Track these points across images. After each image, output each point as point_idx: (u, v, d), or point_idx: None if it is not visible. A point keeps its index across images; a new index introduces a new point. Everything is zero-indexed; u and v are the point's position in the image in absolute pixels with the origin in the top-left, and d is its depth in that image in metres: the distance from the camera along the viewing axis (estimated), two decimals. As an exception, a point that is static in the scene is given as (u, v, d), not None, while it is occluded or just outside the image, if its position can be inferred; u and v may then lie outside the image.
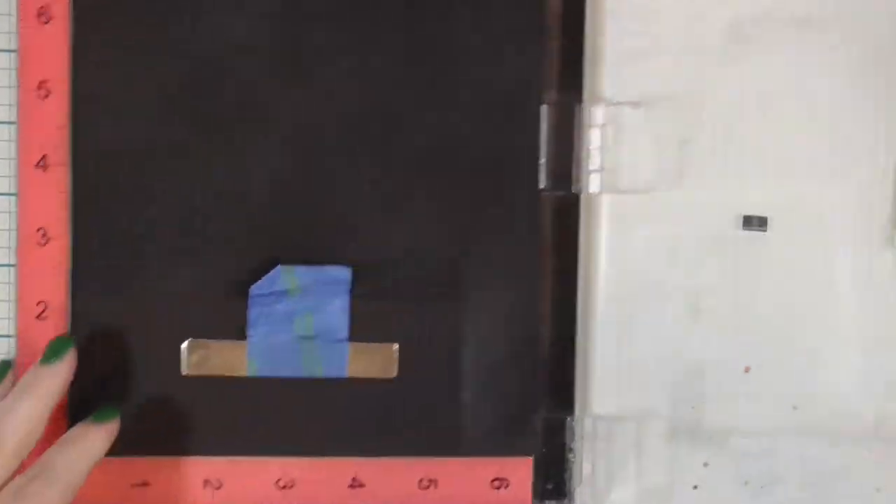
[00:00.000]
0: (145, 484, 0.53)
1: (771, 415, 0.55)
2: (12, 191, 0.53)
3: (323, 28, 0.53)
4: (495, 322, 0.54)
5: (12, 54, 0.53)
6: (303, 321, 0.53)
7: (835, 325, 0.55)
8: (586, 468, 0.55)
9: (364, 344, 0.53)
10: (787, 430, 0.55)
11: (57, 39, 0.52)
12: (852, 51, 0.55)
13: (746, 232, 0.55)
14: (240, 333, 0.53)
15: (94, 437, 0.50)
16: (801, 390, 0.55)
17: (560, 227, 0.54)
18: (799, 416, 0.55)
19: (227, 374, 0.53)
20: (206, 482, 0.54)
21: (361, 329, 0.53)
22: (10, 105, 0.53)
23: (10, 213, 0.53)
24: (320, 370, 0.53)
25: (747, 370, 0.55)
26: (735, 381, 0.55)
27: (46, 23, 0.52)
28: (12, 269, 0.53)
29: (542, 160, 0.54)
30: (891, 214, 0.55)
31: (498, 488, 0.55)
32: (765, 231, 0.55)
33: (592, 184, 0.54)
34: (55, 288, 0.53)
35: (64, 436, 0.50)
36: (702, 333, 0.55)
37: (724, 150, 0.55)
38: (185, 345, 0.53)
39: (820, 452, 0.55)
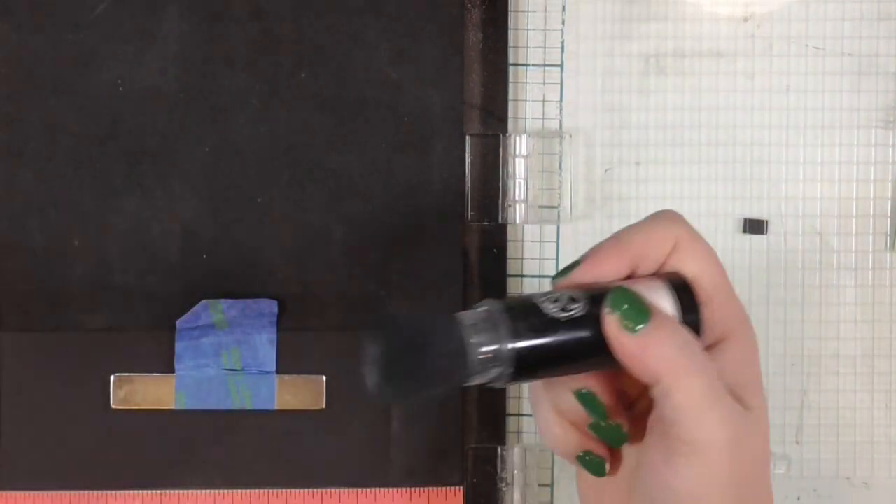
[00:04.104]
0: (74, 519, 0.54)
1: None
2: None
3: (235, 68, 0.54)
4: (422, 352, 0.54)
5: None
6: (230, 354, 0.53)
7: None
8: (517, 497, 0.55)
9: (292, 376, 0.54)
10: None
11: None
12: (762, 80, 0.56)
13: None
14: (167, 367, 0.53)
15: None
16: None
17: (486, 257, 0.55)
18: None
19: (156, 407, 0.53)
20: (135, 516, 0.54)
21: (289, 361, 0.54)
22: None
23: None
24: (249, 402, 0.53)
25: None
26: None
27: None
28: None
29: (467, 191, 0.54)
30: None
31: (428, 518, 0.55)
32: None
33: (518, 214, 0.55)
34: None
35: None
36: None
37: (645, 177, 0.56)
38: (112, 379, 0.53)
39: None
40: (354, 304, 0.54)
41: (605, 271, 0.37)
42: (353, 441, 0.54)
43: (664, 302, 0.37)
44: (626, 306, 0.36)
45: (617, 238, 0.38)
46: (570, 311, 0.36)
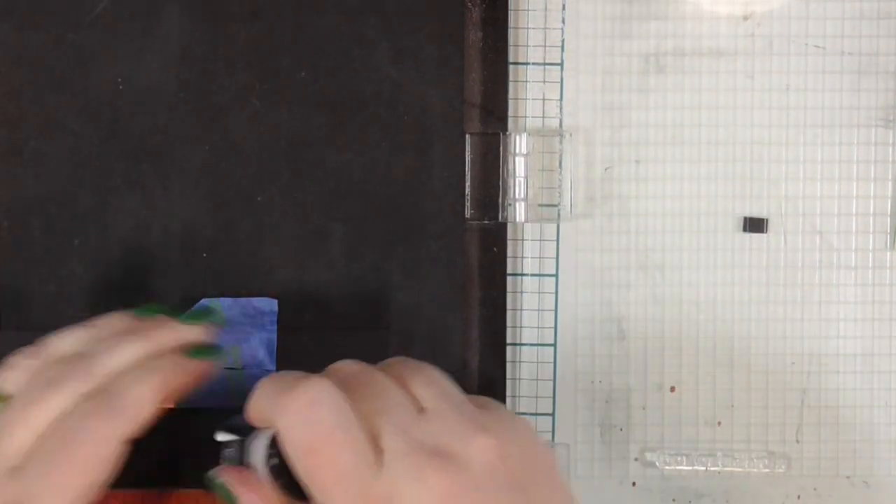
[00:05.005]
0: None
1: (695, 433, 0.56)
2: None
3: (235, 68, 0.54)
4: (422, 351, 0.54)
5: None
6: (230, 353, 0.53)
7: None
8: (517, 495, 0.55)
9: (292, 375, 0.54)
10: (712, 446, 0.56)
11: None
12: (762, 78, 0.56)
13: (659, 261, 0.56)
14: (168, 366, 0.53)
15: (171, 365, 0.44)
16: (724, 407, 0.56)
17: (486, 256, 0.55)
18: (722, 433, 0.56)
19: (156, 406, 0.53)
20: (136, 515, 0.54)
21: (289, 361, 0.54)
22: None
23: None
24: (249, 401, 0.53)
25: (673, 390, 0.56)
26: (660, 401, 0.56)
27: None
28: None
29: (467, 190, 0.54)
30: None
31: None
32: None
33: (518, 212, 0.55)
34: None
35: (142, 362, 0.44)
36: (627, 356, 0.55)
37: (645, 175, 0.56)
38: (112, 378, 0.53)
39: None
40: (354, 304, 0.54)
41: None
42: (353, 440, 0.54)
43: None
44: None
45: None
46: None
